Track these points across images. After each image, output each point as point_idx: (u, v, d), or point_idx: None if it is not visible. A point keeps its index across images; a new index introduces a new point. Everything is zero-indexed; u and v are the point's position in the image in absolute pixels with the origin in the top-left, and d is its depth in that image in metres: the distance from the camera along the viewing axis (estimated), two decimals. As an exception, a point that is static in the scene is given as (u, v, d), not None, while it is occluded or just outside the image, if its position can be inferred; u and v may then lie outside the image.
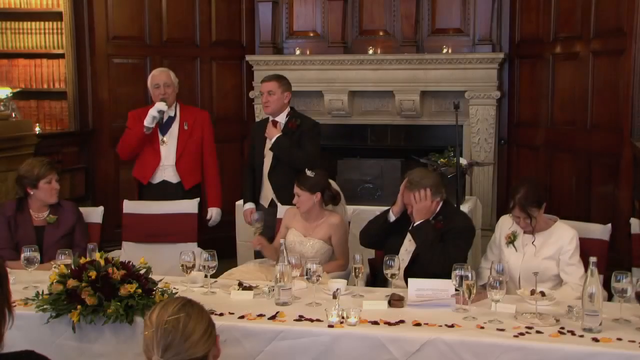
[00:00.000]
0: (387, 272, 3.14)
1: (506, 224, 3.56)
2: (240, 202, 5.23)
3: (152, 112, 4.44)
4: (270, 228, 4.31)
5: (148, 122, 4.44)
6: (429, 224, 3.47)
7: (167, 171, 4.58)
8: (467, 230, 3.57)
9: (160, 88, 4.52)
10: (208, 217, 4.70)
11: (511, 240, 3.47)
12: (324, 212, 3.87)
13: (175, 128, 4.57)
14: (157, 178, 4.58)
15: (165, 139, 4.55)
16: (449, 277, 2.93)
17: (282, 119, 4.46)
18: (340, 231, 3.83)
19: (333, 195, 3.91)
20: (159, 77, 4.55)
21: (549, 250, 3.39)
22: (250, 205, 4.58)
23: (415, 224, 3.48)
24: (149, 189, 4.61)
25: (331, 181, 4.02)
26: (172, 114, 4.58)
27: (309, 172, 3.85)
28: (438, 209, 3.56)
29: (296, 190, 3.82)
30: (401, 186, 3.56)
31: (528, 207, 3.37)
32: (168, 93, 4.52)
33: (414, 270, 3.35)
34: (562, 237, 3.40)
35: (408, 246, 3.55)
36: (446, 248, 3.42)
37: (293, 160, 4.27)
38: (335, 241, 3.82)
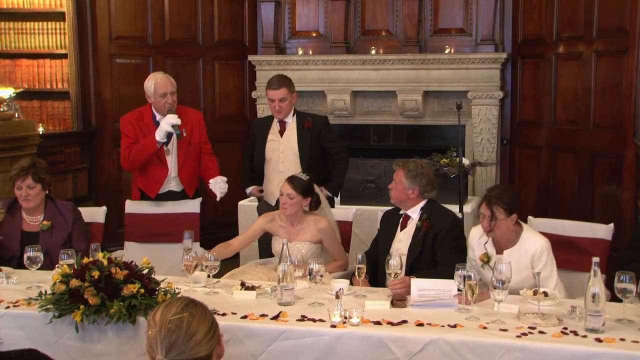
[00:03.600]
0: (390, 271, 3.14)
1: (476, 235, 3.44)
2: (243, 202, 5.26)
3: (165, 126, 4.24)
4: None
5: (160, 136, 4.26)
6: (421, 273, 3.32)
7: (173, 182, 4.47)
8: (455, 225, 3.59)
9: (167, 97, 4.29)
10: (211, 186, 4.41)
11: (485, 261, 3.34)
12: (307, 215, 3.79)
13: (175, 136, 4.38)
14: (164, 189, 4.45)
15: (169, 148, 4.40)
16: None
17: (289, 119, 4.51)
18: (331, 234, 3.78)
19: (318, 199, 3.84)
20: (165, 86, 4.31)
21: (521, 269, 3.22)
22: (253, 187, 4.66)
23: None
24: (154, 200, 4.47)
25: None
26: None
27: (302, 175, 3.76)
28: (421, 205, 3.58)
29: (289, 191, 3.69)
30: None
31: (495, 204, 3.26)
32: (174, 100, 4.34)
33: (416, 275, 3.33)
34: (530, 250, 3.27)
35: (398, 247, 3.55)
36: (446, 255, 3.42)
37: (345, 172, 4.59)
38: (327, 244, 3.78)
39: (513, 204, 3.28)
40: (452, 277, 2.92)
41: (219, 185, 4.42)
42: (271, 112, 4.55)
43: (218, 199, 4.45)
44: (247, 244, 3.94)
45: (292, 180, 3.73)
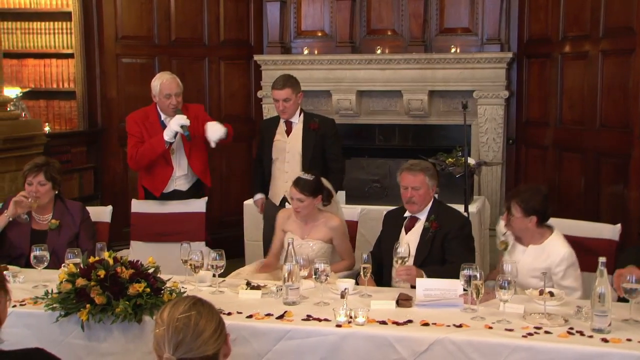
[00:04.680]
0: (397, 258, 3.20)
1: (502, 223, 3.50)
2: (248, 201, 5.26)
3: (174, 127, 4.24)
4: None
5: (169, 136, 4.27)
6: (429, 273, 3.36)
7: (178, 180, 4.48)
8: (465, 225, 3.60)
9: (171, 98, 4.31)
10: (207, 132, 4.32)
11: (503, 248, 3.41)
12: (320, 213, 3.80)
13: (179, 134, 4.37)
14: (169, 188, 4.47)
15: (173, 147, 4.40)
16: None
17: (295, 119, 4.51)
18: (341, 233, 3.79)
19: (329, 193, 3.85)
20: (170, 87, 4.33)
21: (537, 269, 3.24)
22: (260, 196, 4.68)
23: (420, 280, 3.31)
24: (160, 199, 4.48)
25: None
26: None
27: (307, 175, 3.74)
28: (429, 205, 3.59)
29: (298, 196, 3.69)
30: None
31: (513, 200, 3.30)
32: (179, 102, 4.34)
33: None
34: (551, 256, 3.27)
35: (405, 249, 3.54)
36: (456, 254, 3.42)
37: (338, 184, 4.46)
38: (337, 243, 3.79)
39: (533, 207, 3.28)
40: (467, 256, 2.97)
41: (213, 128, 4.31)
42: (277, 112, 4.56)
43: (212, 145, 4.37)
44: (280, 251, 3.89)
45: (297, 183, 3.71)
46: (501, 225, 3.54)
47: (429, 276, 3.25)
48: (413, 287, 3.16)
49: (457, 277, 3.04)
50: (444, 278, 3.17)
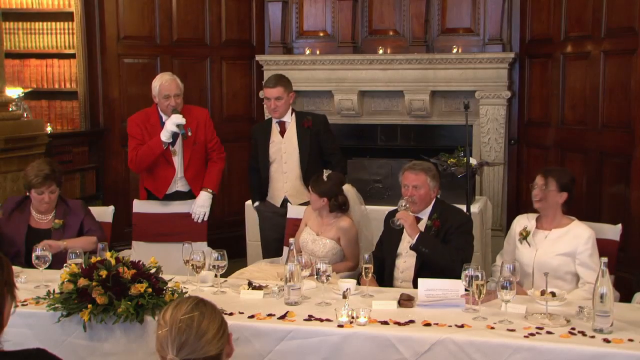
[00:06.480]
0: (400, 208, 3.47)
1: (521, 222, 3.58)
2: (250, 202, 5.26)
3: (170, 126, 4.23)
4: (280, 227, 4.33)
5: (166, 137, 4.25)
6: (425, 235, 3.48)
7: (180, 181, 4.47)
8: (467, 222, 3.64)
9: (170, 99, 4.29)
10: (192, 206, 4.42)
11: (524, 236, 3.50)
12: (335, 212, 3.87)
13: (181, 136, 4.36)
14: (171, 189, 4.46)
15: (176, 148, 4.38)
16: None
17: (288, 118, 4.51)
18: (349, 234, 3.83)
19: (340, 204, 3.88)
20: (169, 88, 4.30)
21: (564, 247, 3.38)
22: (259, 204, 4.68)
23: (413, 243, 3.47)
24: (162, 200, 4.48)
25: (347, 187, 3.97)
26: None
27: (325, 177, 3.88)
28: (432, 205, 3.62)
29: (309, 189, 3.90)
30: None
31: (550, 176, 3.46)
32: (178, 103, 4.32)
33: (425, 275, 3.34)
34: (579, 236, 3.39)
35: (408, 248, 3.56)
36: (455, 244, 3.46)
37: (344, 171, 4.58)
38: (344, 244, 3.82)
39: (566, 184, 3.48)
40: (456, 258, 3.06)
41: (196, 208, 4.42)
42: (268, 111, 4.57)
43: (195, 220, 4.43)
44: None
45: (312, 180, 3.90)
46: (519, 218, 3.65)
47: (423, 241, 3.42)
48: (415, 287, 3.17)
49: (449, 258, 3.25)
50: (437, 253, 3.41)
